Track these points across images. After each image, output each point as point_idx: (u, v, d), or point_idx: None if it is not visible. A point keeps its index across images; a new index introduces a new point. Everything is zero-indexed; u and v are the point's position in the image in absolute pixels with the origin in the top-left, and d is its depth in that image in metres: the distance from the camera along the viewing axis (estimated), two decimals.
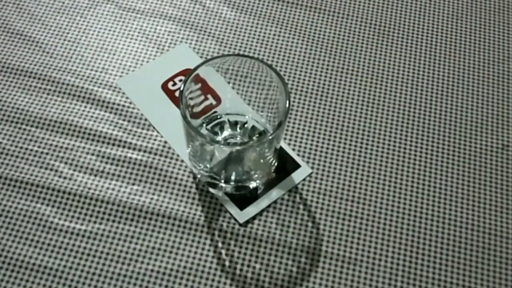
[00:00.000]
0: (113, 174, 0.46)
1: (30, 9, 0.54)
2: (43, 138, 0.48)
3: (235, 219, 0.44)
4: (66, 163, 0.46)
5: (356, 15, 0.55)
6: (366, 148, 0.48)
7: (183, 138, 0.47)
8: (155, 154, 0.47)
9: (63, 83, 0.50)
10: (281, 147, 0.47)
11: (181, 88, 0.40)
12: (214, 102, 0.48)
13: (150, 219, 0.44)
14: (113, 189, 0.45)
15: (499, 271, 0.43)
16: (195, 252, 0.43)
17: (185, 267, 0.42)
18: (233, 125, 0.46)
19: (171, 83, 0.50)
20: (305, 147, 0.48)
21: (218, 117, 0.47)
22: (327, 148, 0.48)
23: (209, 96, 0.48)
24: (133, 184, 0.46)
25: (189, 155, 0.45)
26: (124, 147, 0.47)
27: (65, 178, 0.46)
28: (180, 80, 0.51)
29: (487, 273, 0.43)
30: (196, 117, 0.46)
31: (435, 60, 0.53)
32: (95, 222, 0.44)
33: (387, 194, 0.46)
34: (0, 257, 0.42)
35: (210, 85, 0.46)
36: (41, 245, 0.43)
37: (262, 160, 0.43)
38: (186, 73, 0.51)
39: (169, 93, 0.50)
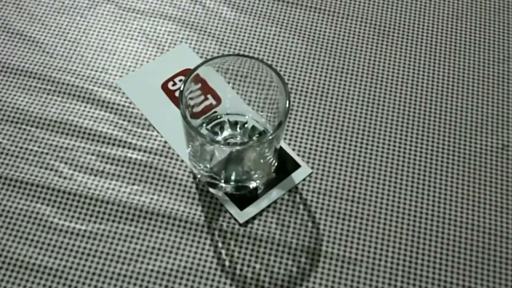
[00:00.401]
0: (113, 174, 0.46)
1: (30, 9, 0.54)
2: (43, 138, 0.48)
3: (235, 219, 0.44)
4: (66, 163, 0.46)
5: (356, 15, 0.55)
6: (366, 148, 0.48)
7: (183, 138, 0.47)
8: (155, 154, 0.47)
9: (63, 83, 0.50)
10: (281, 147, 0.47)
11: (181, 88, 0.40)
12: (214, 102, 0.48)
13: (150, 219, 0.44)
14: (113, 189, 0.45)
15: (499, 271, 0.43)
16: (195, 252, 0.43)
17: (185, 267, 0.42)
18: (233, 125, 0.46)
19: (171, 83, 0.50)
20: (305, 147, 0.48)
21: (218, 117, 0.47)
22: (327, 148, 0.48)
23: (209, 96, 0.48)
24: (133, 184, 0.46)
25: (189, 155, 0.45)
26: (124, 147, 0.47)
27: (65, 178, 0.46)
28: (180, 80, 0.51)
29: (487, 273, 0.43)
30: (196, 117, 0.46)
31: (435, 60, 0.53)
32: (95, 222, 0.44)
33: (387, 194, 0.46)
34: (0, 257, 0.42)
35: (210, 85, 0.46)
36: (41, 245, 0.43)
37: (262, 160, 0.43)
38: (186, 73, 0.51)
39: (169, 93, 0.50)
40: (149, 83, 0.50)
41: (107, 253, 0.43)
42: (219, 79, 0.45)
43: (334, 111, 0.50)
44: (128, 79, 0.51)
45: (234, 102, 0.47)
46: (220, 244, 0.43)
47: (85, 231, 0.44)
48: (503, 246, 0.44)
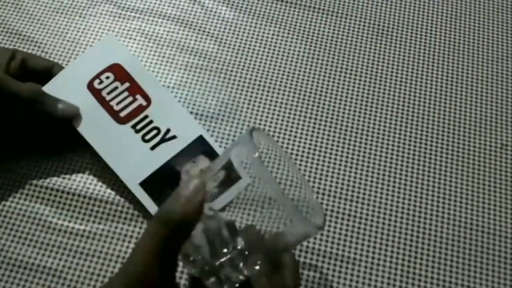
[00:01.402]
0: (113, 174, 0.46)
1: (29, 9, 0.54)
2: None
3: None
4: (65, 162, 0.46)
5: (356, 15, 0.55)
6: (365, 148, 0.48)
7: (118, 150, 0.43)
8: None
9: None
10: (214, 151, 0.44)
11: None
12: (144, 103, 0.44)
13: (150, 218, 0.44)
14: (111, 189, 0.45)
15: (497, 270, 0.43)
16: None
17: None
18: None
19: (97, 81, 0.45)
20: (304, 147, 0.48)
21: (149, 122, 0.43)
22: (326, 148, 0.48)
23: (137, 96, 0.44)
24: None
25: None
26: None
27: (64, 178, 0.46)
28: (108, 77, 0.45)
29: (485, 272, 0.43)
30: (123, 122, 0.44)
31: (434, 60, 0.53)
32: (94, 222, 0.44)
33: (386, 194, 0.46)
34: (0, 257, 0.42)
35: (139, 83, 0.44)
36: (41, 245, 0.43)
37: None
38: (114, 69, 0.46)
39: (96, 93, 0.45)
40: (75, 85, 0.45)
41: (107, 253, 0.43)
42: (148, 77, 0.43)
43: (334, 110, 0.50)
44: (54, 85, 0.45)
45: (165, 104, 0.44)
46: None
47: (84, 231, 0.44)
48: (501, 245, 0.44)
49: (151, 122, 0.44)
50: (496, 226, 0.45)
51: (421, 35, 0.54)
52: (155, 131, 0.44)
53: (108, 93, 0.44)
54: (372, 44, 0.53)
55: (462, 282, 0.42)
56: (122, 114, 0.44)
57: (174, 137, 0.44)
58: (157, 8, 0.55)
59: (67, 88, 0.45)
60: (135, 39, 0.53)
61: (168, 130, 0.44)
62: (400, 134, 0.49)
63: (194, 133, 0.44)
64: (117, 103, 0.44)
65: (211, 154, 0.44)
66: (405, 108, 0.50)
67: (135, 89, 0.45)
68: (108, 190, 0.45)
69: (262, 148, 0.35)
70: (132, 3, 0.55)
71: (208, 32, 0.53)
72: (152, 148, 0.44)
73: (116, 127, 0.44)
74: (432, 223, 0.45)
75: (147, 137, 0.44)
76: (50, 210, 0.44)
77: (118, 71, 0.45)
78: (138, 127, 0.44)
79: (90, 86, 0.45)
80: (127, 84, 0.43)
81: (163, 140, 0.44)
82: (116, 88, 0.44)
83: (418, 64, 0.53)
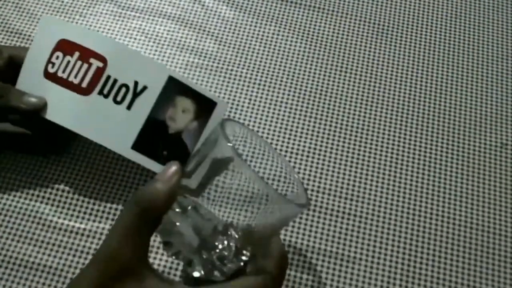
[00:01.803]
0: (113, 173, 0.46)
1: (30, 8, 0.54)
2: None
3: None
4: (65, 161, 0.46)
5: (356, 14, 0.55)
6: (365, 147, 0.48)
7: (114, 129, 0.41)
8: None
9: None
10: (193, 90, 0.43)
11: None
12: (100, 65, 0.41)
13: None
14: (112, 188, 0.45)
15: (497, 269, 0.43)
16: None
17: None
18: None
19: (49, 65, 0.42)
20: (305, 145, 0.48)
21: (114, 80, 0.40)
22: (326, 147, 0.48)
23: (91, 60, 0.41)
24: (132, 183, 0.46)
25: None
26: None
27: (64, 176, 0.46)
28: (57, 57, 0.42)
29: (485, 271, 0.43)
30: (88, 92, 0.41)
31: (434, 60, 0.53)
32: (94, 221, 0.44)
33: (386, 193, 0.46)
34: (0, 255, 0.43)
35: (87, 47, 0.41)
36: (41, 244, 0.43)
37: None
38: (63, 45, 0.42)
39: (53, 78, 0.42)
40: (34, 79, 0.43)
41: None
42: (96, 37, 0.41)
43: (333, 109, 0.50)
44: (19, 82, 0.43)
45: (122, 57, 0.42)
46: None
47: (84, 229, 0.44)
48: (501, 244, 0.44)
49: (115, 81, 0.41)
50: (496, 226, 0.45)
51: (421, 35, 0.54)
52: (124, 89, 0.41)
53: (63, 71, 0.42)
54: (372, 44, 0.54)
55: (462, 281, 0.42)
56: (84, 84, 0.41)
57: (145, 88, 0.41)
58: (158, 7, 0.55)
59: (29, 84, 0.43)
60: (135, 39, 0.53)
61: (136, 83, 0.41)
62: (400, 133, 0.49)
63: (163, 76, 0.42)
64: (75, 76, 0.41)
65: (187, 92, 0.42)
66: (405, 108, 0.50)
67: (86, 54, 0.41)
68: (109, 189, 0.45)
69: (237, 137, 0.38)
70: (132, 2, 0.55)
71: (209, 32, 0.54)
72: (128, 107, 0.41)
73: (84, 100, 0.41)
74: (432, 223, 0.45)
75: (118, 98, 0.41)
76: (50, 208, 0.44)
77: (65, 46, 0.42)
78: (105, 91, 0.41)
79: (46, 74, 0.42)
80: (77, 54, 0.41)
81: (135, 95, 0.41)
82: (68, 62, 0.42)
83: (418, 63, 0.53)
